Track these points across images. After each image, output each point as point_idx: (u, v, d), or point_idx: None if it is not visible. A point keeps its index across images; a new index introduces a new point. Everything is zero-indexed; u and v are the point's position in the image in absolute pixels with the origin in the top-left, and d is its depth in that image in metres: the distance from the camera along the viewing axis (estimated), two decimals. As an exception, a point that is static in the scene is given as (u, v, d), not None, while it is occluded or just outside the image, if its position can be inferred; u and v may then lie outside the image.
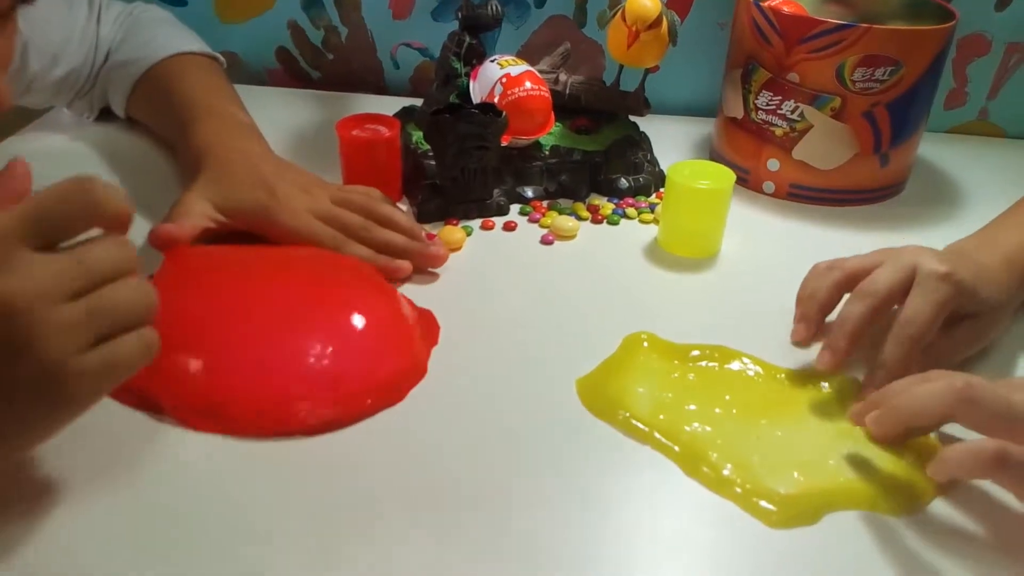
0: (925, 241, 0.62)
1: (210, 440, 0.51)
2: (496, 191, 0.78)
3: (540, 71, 0.82)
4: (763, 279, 0.70)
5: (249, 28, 1.04)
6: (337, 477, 0.49)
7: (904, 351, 0.55)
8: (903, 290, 0.57)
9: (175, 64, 0.83)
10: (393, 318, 0.61)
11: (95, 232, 0.41)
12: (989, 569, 0.45)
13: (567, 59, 0.88)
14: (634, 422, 0.54)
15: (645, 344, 0.61)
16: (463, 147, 0.73)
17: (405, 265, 0.67)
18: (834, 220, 0.81)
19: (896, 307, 0.58)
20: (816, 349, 0.61)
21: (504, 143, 0.77)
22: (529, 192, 0.80)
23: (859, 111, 0.79)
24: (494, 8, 0.79)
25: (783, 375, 0.59)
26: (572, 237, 0.76)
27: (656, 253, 0.74)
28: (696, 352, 0.60)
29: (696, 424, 0.54)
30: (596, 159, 0.82)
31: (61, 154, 0.84)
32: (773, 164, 0.84)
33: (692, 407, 0.55)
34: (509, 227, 0.77)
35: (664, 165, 0.83)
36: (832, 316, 0.61)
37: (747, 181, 0.86)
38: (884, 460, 0.52)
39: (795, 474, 0.51)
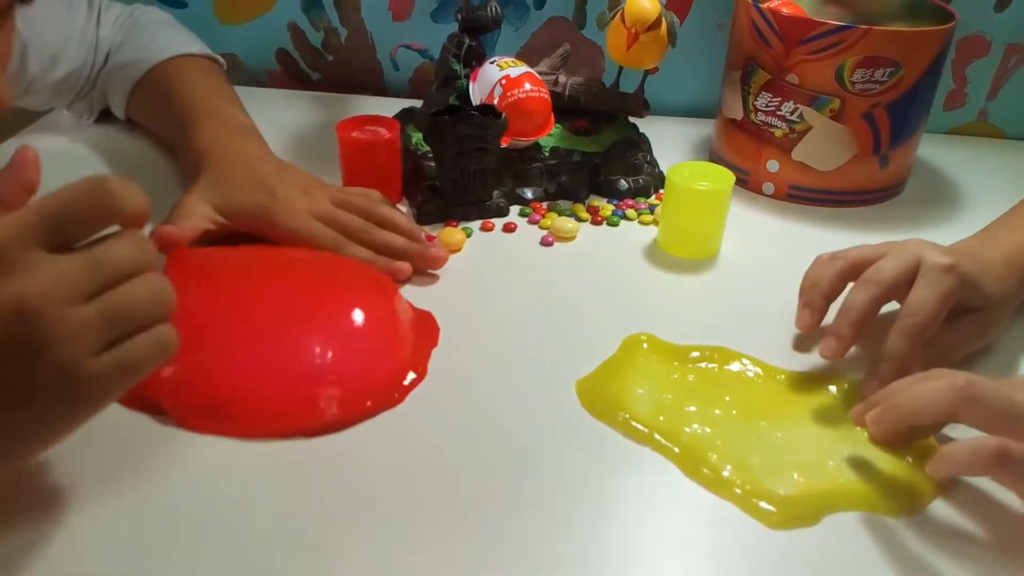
0: (925, 242, 0.62)
1: (210, 441, 0.51)
2: (496, 192, 0.78)
3: (539, 72, 0.82)
4: (763, 280, 0.70)
5: (249, 30, 1.04)
6: (337, 478, 0.49)
7: (908, 342, 0.55)
8: (907, 281, 0.57)
9: (175, 66, 0.83)
10: (393, 320, 0.61)
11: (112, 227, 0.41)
12: (989, 570, 0.45)
13: (566, 60, 0.89)
14: (634, 423, 0.54)
15: (645, 345, 0.61)
16: (463, 149, 0.73)
17: (405, 267, 0.67)
18: (834, 221, 0.81)
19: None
20: (808, 349, 0.61)
21: (504, 144, 0.77)
22: (529, 193, 0.81)
23: (858, 112, 0.79)
24: (493, 10, 0.80)
25: (783, 376, 0.59)
26: (572, 238, 0.76)
27: (656, 254, 0.74)
28: (696, 353, 0.60)
29: (696, 425, 0.54)
30: (596, 160, 0.82)
31: (61, 156, 0.84)
32: (772, 165, 0.84)
33: (692, 408, 0.55)
34: (509, 228, 0.77)
35: (664, 166, 0.83)
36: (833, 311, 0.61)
37: (746, 182, 0.86)
38: (884, 461, 0.52)
39: (795, 475, 0.51)
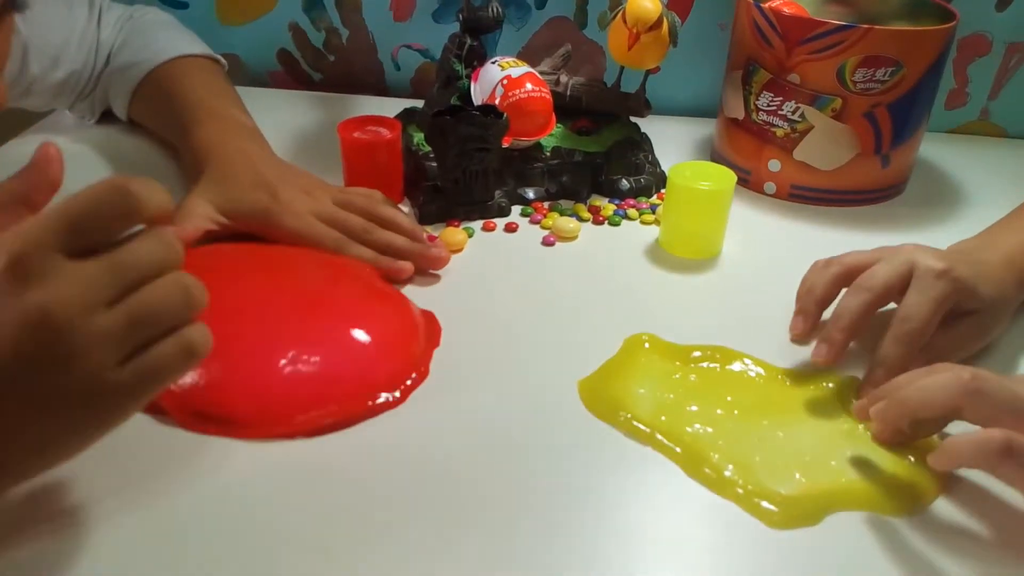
0: (926, 241, 0.62)
1: (211, 442, 0.51)
2: (497, 192, 0.78)
3: (541, 73, 0.82)
4: (764, 280, 0.70)
5: (250, 30, 1.04)
6: (340, 478, 0.49)
7: (902, 349, 0.55)
8: (901, 286, 0.57)
9: (176, 67, 0.83)
10: (394, 319, 0.61)
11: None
12: (991, 569, 0.45)
13: (568, 60, 0.89)
14: (636, 423, 0.54)
15: (646, 345, 0.61)
16: (464, 149, 0.73)
17: (407, 266, 0.67)
18: (835, 221, 0.81)
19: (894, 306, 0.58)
20: (810, 348, 0.61)
21: (505, 145, 0.77)
22: (530, 193, 0.81)
23: (860, 112, 0.79)
24: (495, 10, 0.80)
25: (784, 376, 0.59)
26: (573, 238, 0.76)
27: (657, 254, 0.74)
28: (697, 353, 0.60)
29: (697, 425, 0.54)
30: (597, 160, 0.82)
31: (63, 156, 0.84)
32: (774, 165, 0.84)
33: (694, 408, 0.55)
34: (510, 228, 0.77)
35: (665, 166, 0.83)
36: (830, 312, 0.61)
37: (748, 182, 0.86)
38: (886, 460, 0.52)
39: (797, 475, 0.51)
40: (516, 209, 0.80)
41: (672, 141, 0.94)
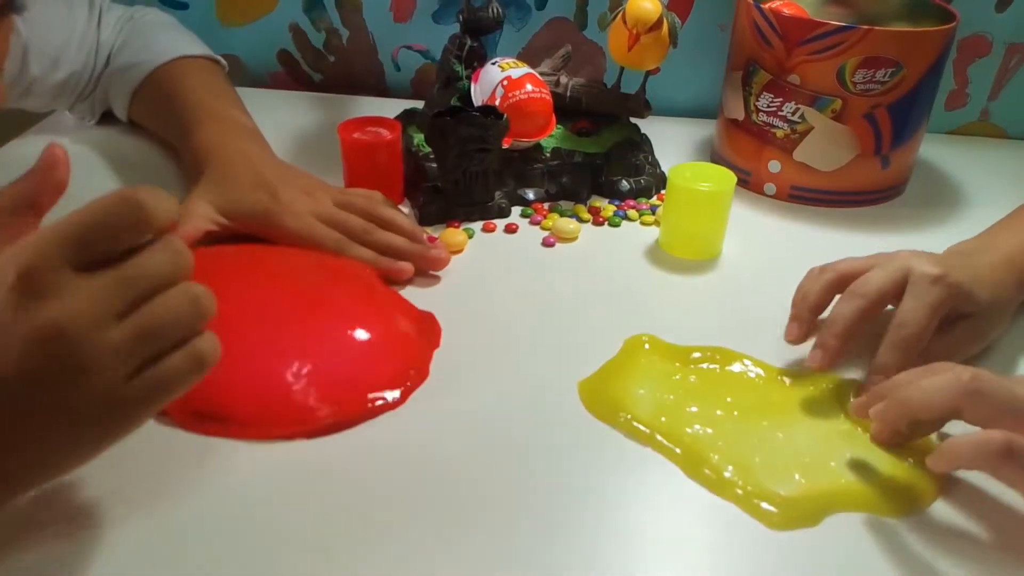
0: (926, 242, 0.62)
1: (211, 442, 0.51)
2: (497, 193, 0.78)
3: (541, 73, 0.83)
4: (764, 281, 0.70)
5: (250, 31, 1.04)
6: (339, 479, 0.49)
7: (899, 355, 0.55)
8: (895, 292, 0.57)
9: (177, 68, 0.83)
10: (394, 321, 0.61)
11: None
12: (990, 570, 0.45)
13: (568, 61, 0.89)
14: (635, 424, 0.54)
15: (646, 346, 0.61)
16: (464, 150, 0.73)
17: (407, 267, 0.67)
18: (835, 222, 0.81)
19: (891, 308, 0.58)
20: (809, 350, 0.61)
21: (505, 145, 0.77)
22: (530, 194, 0.81)
23: (860, 113, 0.79)
24: (495, 10, 0.80)
25: (784, 377, 0.59)
26: (573, 239, 0.76)
27: (657, 255, 0.74)
28: (697, 354, 0.60)
29: (697, 426, 0.54)
30: (597, 161, 0.82)
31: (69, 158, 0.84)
32: (774, 166, 0.84)
33: (693, 409, 0.55)
34: (510, 229, 0.77)
35: (665, 167, 0.83)
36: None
37: (748, 183, 0.86)
38: (885, 462, 0.52)
39: (796, 476, 0.51)
40: (516, 210, 0.80)
41: (672, 142, 0.94)
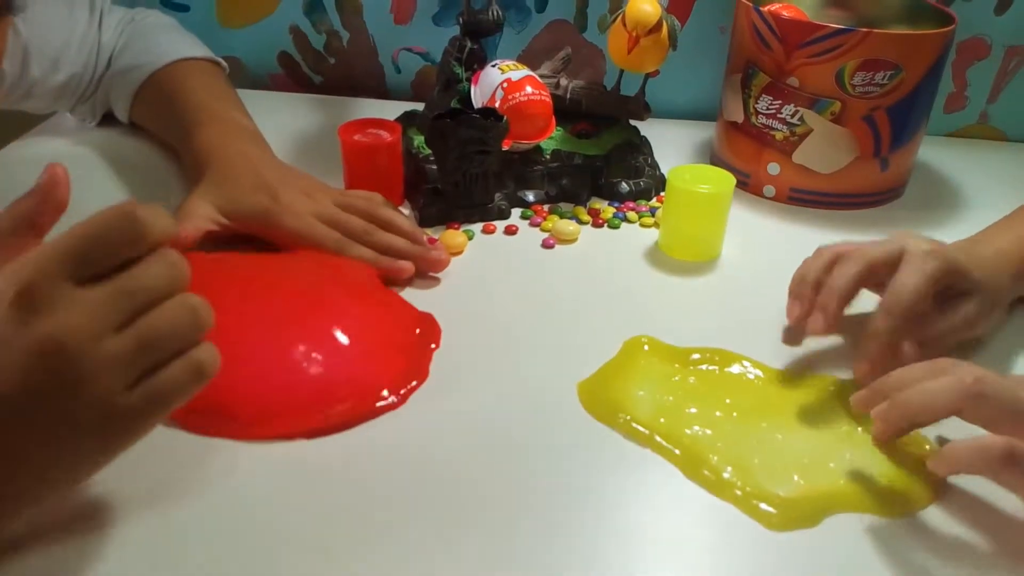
0: (925, 244, 0.62)
1: (212, 443, 0.51)
2: (497, 195, 0.79)
3: (541, 76, 0.83)
4: (763, 283, 0.70)
5: (251, 33, 1.04)
6: (339, 479, 0.49)
7: (893, 321, 0.56)
8: (891, 264, 0.58)
9: (178, 70, 0.83)
10: (394, 322, 0.61)
11: None
12: (990, 571, 0.46)
13: (568, 64, 0.89)
14: (635, 425, 0.54)
15: (646, 347, 0.61)
16: (464, 151, 0.73)
17: (407, 266, 0.67)
18: (834, 224, 0.81)
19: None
20: (808, 351, 0.62)
21: (505, 147, 0.77)
22: (530, 196, 0.81)
23: (859, 115, 0.79)
24: (495, 13, 0.80)
25: (783, 378, 0.59)
26: (573, 241, 0.76)
27: (657, 257, 0.74)
28: (696, 355, 0.61)
29: (696, 427, 0.54)
30: (597, 163, 0.82)
31: (64, 159, 0.82)
32: (773, 168, 0.84)
33: (693, 410, 0.55)
34: (510, 231, 0.77)
35: (664, 169, 0.83)
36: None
37: (747, 185, 0.86)
38: (884, 464, 0.52)
39: (795, 477, 0.51)
40: (516, 212, 0.80)
41: (671, 144, 0.95)
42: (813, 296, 0.61)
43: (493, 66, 0.81)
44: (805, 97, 0.79)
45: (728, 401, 0.57)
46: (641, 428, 0.54)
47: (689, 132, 1.00)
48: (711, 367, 0.60)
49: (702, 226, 0.73)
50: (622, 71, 0.84)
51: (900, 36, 0.76)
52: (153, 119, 0.85)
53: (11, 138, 0.88)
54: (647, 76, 0.85)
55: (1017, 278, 0.62)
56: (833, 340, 0.63)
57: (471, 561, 0.45)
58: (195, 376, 0.41)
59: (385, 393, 0.55)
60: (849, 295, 0.59)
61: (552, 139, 0.83)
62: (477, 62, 0.83)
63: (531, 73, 0.80)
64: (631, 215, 0.80)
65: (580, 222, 0.78)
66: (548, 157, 0.81)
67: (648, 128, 0.88)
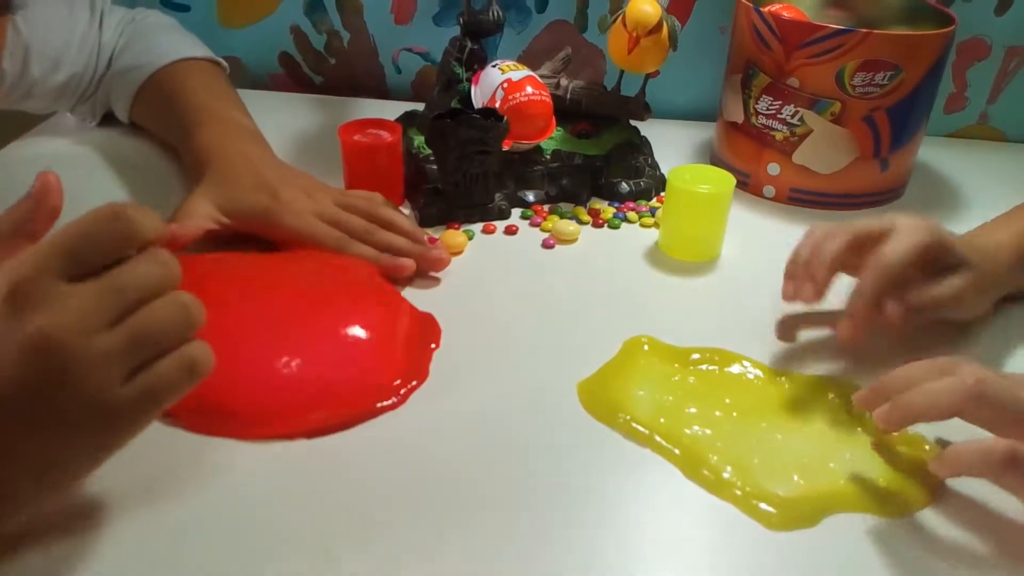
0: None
1: (212, 442, 0.51)
2: (497, 195, 0.79)
3: (541, 76, 0.83)
4: (763, 283, 0.70)
5: (251, 33, 1.04)
6: (339, 479, 0.49)
7: (878, 279, 0.57)
8: (880, 237, 0.59)
9: (178, 70, 0.83)
10: (394, 322, 0.61)
11: None
12: (989, 571, 0.46)
13: (568, 64, 0.89)
14: (635, 425, 0.54)
15: (645, 347, 0.61)
16: (465, 152, 0.73)
17: (408, 263, 0.67)
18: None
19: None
20: (808, 351, 0.62)
21: (505, 148, 0.77)
22: (530, 196, 0.81)
23: (859, 115, 0.79)
24: (495, 13, 0.80)
25: (783, 378, 0.59)
26: (573, 241, 0.76)
27: (657, 257, 0.74)
28: (696, 355, 0.61)
29: (696, 427, 0.54)
30: (597, 163, 0.82)
31: (64, 159, 0.84)
32: (773, 168, 0.84)
33: (692, 410, 0.56)
34: (510, 231, 0.77)
35: (665, 169, 0.83)
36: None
37: (747, 185, 0.86)
38: (884, 464, 0.52)
39: (795, 477, 0.51)
40: (516, 212, 0.80)
41: (672, 144, 0.95)
42: (804, 273, 0.62)
43: (493, 66, 0.81)
44: (805, 97, 0.79)
45: (728, 401, 0.57)
46: (641, 428, 0.54)
47: (689, 132, 1.00)
48: (711, 367, 0.60)
49: (702, 226, 0.73)
50: (622, 71, 0.84)
51: (900, 37, 0.76)
52: (153, 119, 0.85)
53: (11, 138, 0.88)
54: (647, 76, 0.85)
55: (1013, 268, 0.63)
56: (832, 340, 0.63)
57: (470, 560, 0.45)
58: (188, 372, 0.41)
59: (385, 393, 0.55)
60: (837, 263, 0.60)
61: (552, 139, 0.83)
62: (477, 62, 0.83)
63: (531, 73, 0.80)
64: (631, 215, 0.80)
65: (580, 222, 0.78)
66: (548, 157, 0.81)
67: (648, 128, 0.88)
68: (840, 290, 0.62)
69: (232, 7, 1.02)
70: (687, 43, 0.91)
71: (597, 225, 0.79)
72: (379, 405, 0.55)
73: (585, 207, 0.81)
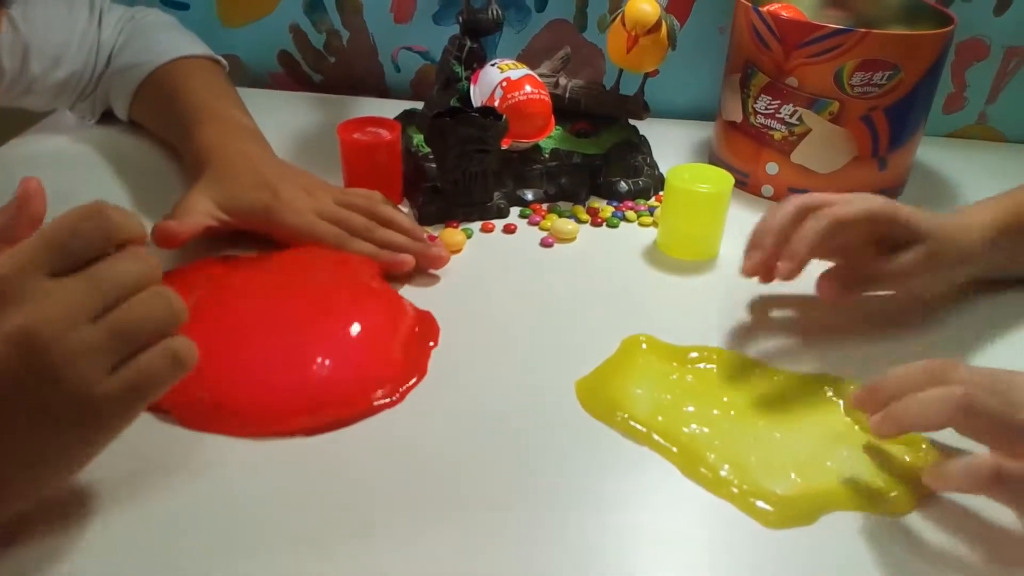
0: (923, 244, 0.62)
1: (211, 439, 0.52)
2: (496, 194, 0.79)
3: (540, 75, 0.83)
4: (762, 282, 0.71)
5: (251, 31, 1.04)
6: (337, 477, 0.50)
7: (820, 226, 0.59)
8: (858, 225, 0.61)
9: (178, 68, 0.83)
10: (393, 320, 0.61)
11: None
12: (988, 568, 0.46)
13: (567, 63, 0.89)
14: (632, 423, 0.54)
15: (644, 346, 0.61)
16: (464, 150, 0.73)
17: (408, 259, 0.67)
18: (833, 223, 0.81)
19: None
20: (807, 350, 0.62)
21: (504, 146, 0.77)
22: (529, 195, 0.81)
23: (857, 115, 0.79)
24: (495, 12, 0.80)
25: (781, 377, 0.59)
26: (572, 240, 0.76)
27: (655, 256, 0.74)
28: (694, 354, 0.61)
29: (694, 425, 0.54)
30: (596, 162, 0.82)
31: (63, 156, 0.84)
32: (772, 168, 0.84)
33: (690, 408, 0.56)
34: (509, 230, 0.77)
35: (663, 168, 0.83)
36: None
37: (746, 184, 0.86)
38: (881, 461, 0.52)
39: (792, 475, 0.51)
40: (515, 210, 0.80)
41: (670, 144, 0.95)
42: (773, 247, 0.62)
43: (492, 65, 0.81)
44: (804, 97, 0.79)
45: (725, 399, 0.57)
46: (639, 426, 0.54)
47: (688, 132, 1.00)
48: (709, 366, 0.60)
49: (701, 225, 0.73)
50: (621, 70, 0.84)
51: (899, 36, 0.76)
52: (153, 117, 0.85)
53: (11, 135, 0.89)
54: (646, 76, 0.85)
55: (988, 247, 0.64)
56: (832, 341, 0.63)
57: (468, 557, 0.45)
58: (171, 364, 0.41)
59: (383, 391, 0.55)
60: (787, 232, 0.61)
61: (551, 138, 0.83)
62: (477, 61, 0.83)
63: (530, 72, 0.80)
64: (630, 214, 0.80)
65: (579, 221, 0.78)
66: (547, 156, 0.81)
67: (647, 127, 0.88)
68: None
69: (232, 6, 1.03)
70: (686, 42, 0.91)
71: (596, 224, 0.79)
72: (377, 403, 0.55)
73: (584, 206, 0.81)
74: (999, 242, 0.64)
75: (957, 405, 0.46)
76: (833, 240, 0.60)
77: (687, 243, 0.74)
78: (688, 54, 0.97)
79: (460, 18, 0.81)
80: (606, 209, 0.80)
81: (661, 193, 0.82)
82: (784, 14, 0.81)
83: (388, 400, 0.55)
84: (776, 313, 0.65)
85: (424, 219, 0.76)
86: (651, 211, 0.80)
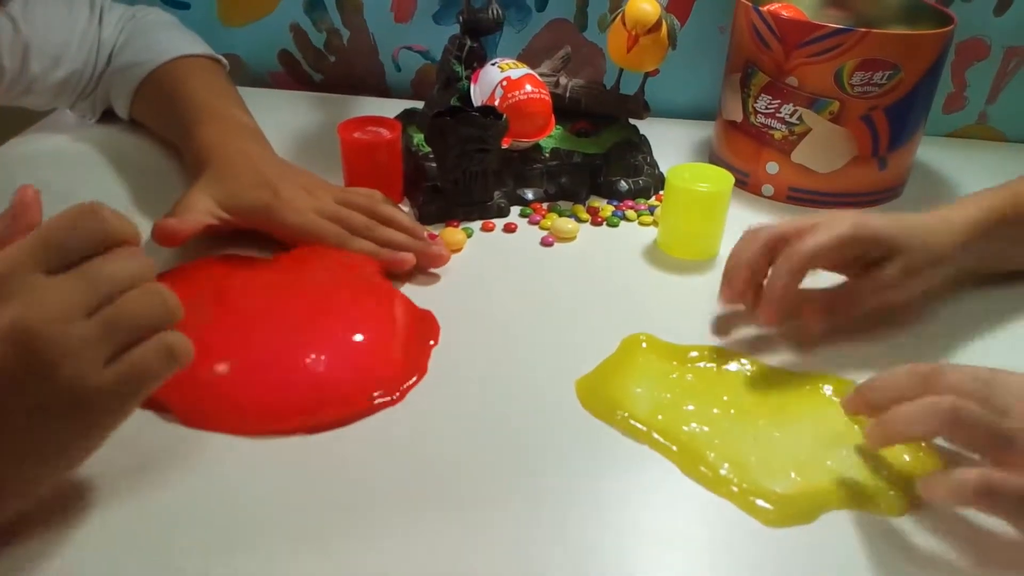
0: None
1: (211, 438, 0.52)
2: (496, 193, 0.79)
3: (541, 74, 0.83)
4: (762, 281, 0.71)
5: (251, 31, 1.04)
6: (337, 476, 0.50)
7: (789, 265, 0.59)
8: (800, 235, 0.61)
9: (178, 67, 0.83)
10: (393, 320, 0.61)
11: None
12: (987, 567, 0.46)
13: (567, 62, 0.89)
14: (632, 422, 0.54)
15: (644, 345, 0.61)
16: (464, 150, 0.73)
17: (408, 257, 0.67)
18: (833, 223, 0.81)
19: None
20: (806, 349, 0.62)
21: (505, 146, 0.77)
22: (529, 194, 0.81)
23: (857, 115, 0.79)
24: (495, 12, 0.80)
25: (780, 376, 0.59)
26: (572, 239, 0.76)
27: (655, 255, 0.74)
28: (694, 353, 0.61)
29: (694, 424, 0.54)
30: (596, 162, 0.82)
31: (64, 155, 0.84)
32: (772, 167, 0.84)
33: (690, 407, 0.56)
34: (509, 229, 0.77)
35: (664, 168, 0.83)
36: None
37: (746, 184, 0.86)
38: (880, 460, 0.52)
39: (792, 474, 0.51)
40: (515, 210, 0.80)
41: (671, 143, 0.95)
42: (746, 279, 0.62)
43: (493, 64, 0.81)
44: (804, 97, 0.79)
45: (725, 398, 0.57)
46: (639, 425, 0.54)
47: (688, 131, 1.00)
48: (709, 365, 0.60)
49: (701, 225, 0.73)
50: (621, 70, 0.84)
51: (899, 36, 0.77)
52: (153, 116, 0.85)
53: (11, 134, 0.89)
54: (646, 75, 0.85)
55: (965, 245, 0.63)
56: (831, 341, 0.63)
57: (468, 555, 0.45)
58: (165, 357, 0.42)
59: (383, 390, 0.55)
60: (754, 264, 0.61)
61: (551, 137, 0.83)
62: (477, 60, 0.83)
63: (531, 71, 0.80)
64: (630, 213, 0.80)
65: (579, 220, 0.78)
66: (547, 155, 0.81)
67: (647, 127, 0.88)
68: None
69: (232, 5, 1.03)
70: (686, 42, 0.91)
71: (596, 223, 0.79)
72: (378, 402, 0.55)
73: (584, 205, 0.81)
74: (969, 245, 0.64)
75: (944, 419, 0.46)
76: (803, 273, 0.60)
77: (687, 242, 0.74)
78: (688, 54, 0.97)
79: (460, 17, 0.81)
80: (606, 208, 0.80)
81: (661, 192, 0.82)
82: (784, 14, 0.81)
83: (388, 399, 0.55)
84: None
85: (424, 218, 0.76)
86: (651, 210, 0.80)
